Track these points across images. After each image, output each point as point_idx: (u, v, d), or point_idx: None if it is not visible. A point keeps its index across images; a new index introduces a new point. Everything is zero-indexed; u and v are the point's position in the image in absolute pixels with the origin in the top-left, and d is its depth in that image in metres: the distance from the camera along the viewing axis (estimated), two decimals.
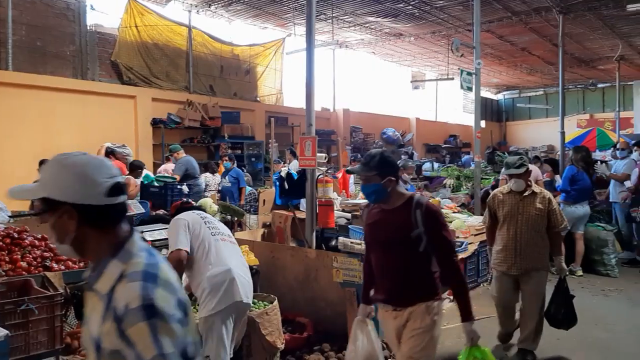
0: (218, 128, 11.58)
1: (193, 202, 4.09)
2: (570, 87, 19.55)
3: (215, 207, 5.49)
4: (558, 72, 10.64)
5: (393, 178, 2.58)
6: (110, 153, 6.28)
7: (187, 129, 11.17)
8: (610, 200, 7.73)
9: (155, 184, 6.16)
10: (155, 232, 4.40)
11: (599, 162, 8.38)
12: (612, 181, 7.67)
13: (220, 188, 8.06)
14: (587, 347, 4.27)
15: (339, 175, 7.24)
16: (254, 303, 3.55)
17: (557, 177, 7.76)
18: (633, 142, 8.29)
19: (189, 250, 3.05)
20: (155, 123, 10.51)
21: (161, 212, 5.32)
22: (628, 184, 7.35)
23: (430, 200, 6.74)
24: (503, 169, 4.30)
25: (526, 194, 3.91)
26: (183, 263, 3.03)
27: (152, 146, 10.42)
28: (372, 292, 2.74)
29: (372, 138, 16.51)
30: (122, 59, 10.56)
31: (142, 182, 6.29)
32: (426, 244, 2.48)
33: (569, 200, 6.62)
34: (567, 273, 6.57)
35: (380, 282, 2.67)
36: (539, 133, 20.20)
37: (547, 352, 4.15)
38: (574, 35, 12.90)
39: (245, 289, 3.05)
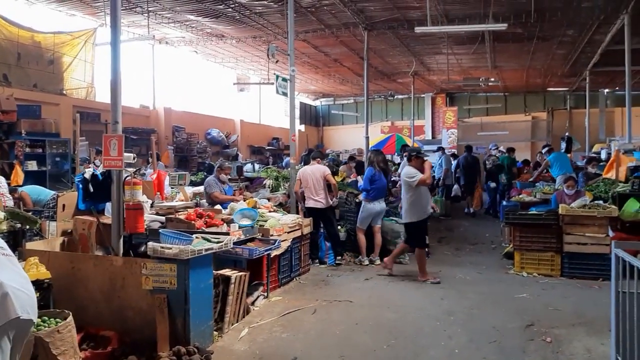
0: (13, 123, 10.09)
1: None
2: (375, 97, 21.89)
3: (1, 214, 4.79)
4: (364, 83, 11.81)
5: None
6: None
7: None
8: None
9: None
10: None
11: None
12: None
13: None
14: (379, 327, 4.83)
15: (154, 176, 6.94)
16: (43, 321, 3.21)
17: (360, 177, 8.68)
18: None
19: None
20: None
21: None
22: None
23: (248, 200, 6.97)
24: None
25: None
26: None
27: None
28: None
29: (196, 138, 16.19)
30: None
31: None
32: None
33: (369, 198, 7.46)
34: (368, 263, 7.43)
35: None
36: (351, 137, 22.19)
37: (345, 337, 4.60)
38: (378, 50, 14.46)
39: (23, 303, 2.69)
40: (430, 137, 21.84)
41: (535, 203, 8.22)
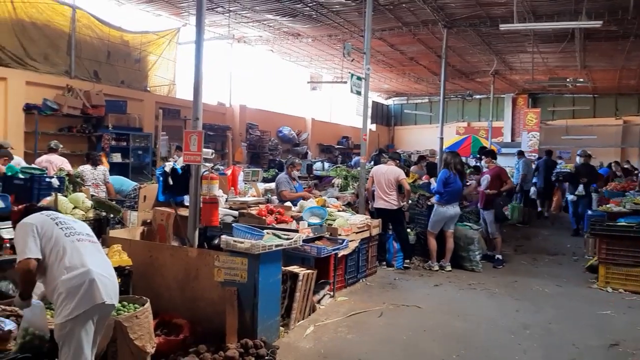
0: (101, 117, 10.84)
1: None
2: (452, 96, 21.17)
3: (89, 203, 5.13)
4: (440, 82, 11.47)
5: None
6: None
7: (66, 117, 10.31)
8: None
9: (20, 175, 5.55)
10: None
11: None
12: None
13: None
14: (448, 336, 4.66)
15: (229, 171, 7.15)
16: (123, 306, 3.39)
17: (433, 180, 8.42)
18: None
19: (39, 257, 2.81)
20: (29, 109, 9.59)
21: None
22: None
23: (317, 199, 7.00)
24: None
25: None
26: (32, 273, 2.80)
27: (23, 134, 9.51)
28: None
29: (269, 135, 16.54)
30: None
31: (4, 173, 5.65)
32: None
33: (442, 201, 7.20)
34: (438, 269, 7.21)
35: None
36: (423, 138, 21.66)
37: (412, 343, 4.47)
38: (456, 48, 14.00)
39: (107, 289, 2.88)
40: (509, 140, 20.78)
41: (624, 214, 7.57)
